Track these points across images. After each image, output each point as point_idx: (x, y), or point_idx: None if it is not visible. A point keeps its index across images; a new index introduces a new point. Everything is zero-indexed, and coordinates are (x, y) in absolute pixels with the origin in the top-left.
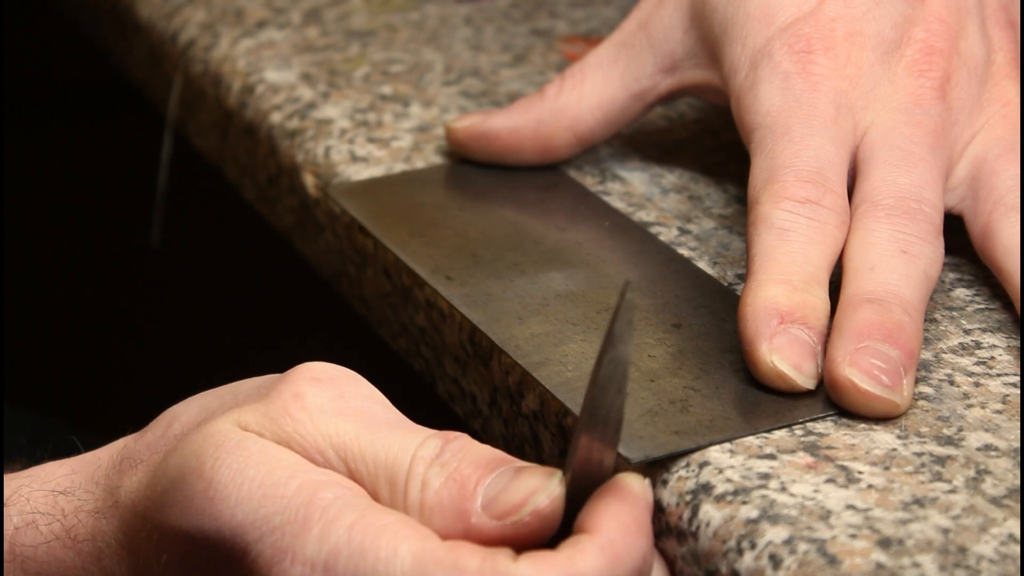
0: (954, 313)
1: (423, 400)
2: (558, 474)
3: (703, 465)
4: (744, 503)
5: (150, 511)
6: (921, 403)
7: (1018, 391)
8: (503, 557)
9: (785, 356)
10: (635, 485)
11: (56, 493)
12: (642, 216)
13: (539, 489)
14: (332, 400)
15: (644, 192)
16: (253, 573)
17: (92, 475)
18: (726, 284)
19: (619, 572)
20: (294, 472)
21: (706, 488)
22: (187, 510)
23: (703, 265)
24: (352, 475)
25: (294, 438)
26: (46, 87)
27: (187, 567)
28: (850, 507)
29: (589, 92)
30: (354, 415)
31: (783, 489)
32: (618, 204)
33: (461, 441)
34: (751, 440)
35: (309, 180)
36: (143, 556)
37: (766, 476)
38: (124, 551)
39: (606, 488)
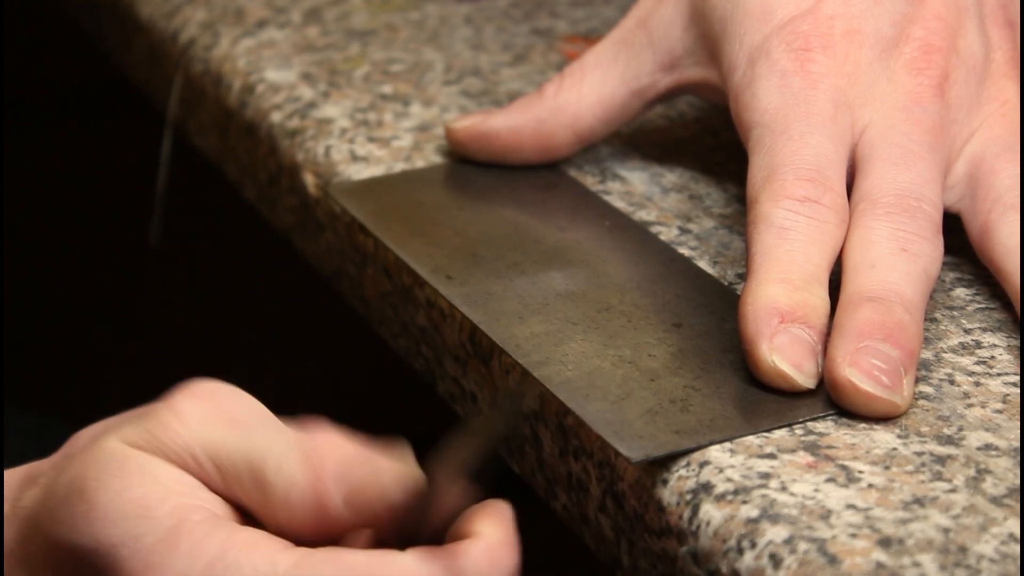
0: (954, 312)
1: (423, 400)
2: (413, 471)
3: (703, 464)
4: (744, 502)
5: (42, 524)
6: (921, 403)
7: (1018, 390)
8: (387, 549)
9: (786, 355)
10: (505, 508)
11: None
12: (642, 215)
13: (393, 485)
14: (207, 411)
15: (644, 191)
16: None
17: (9, 484)
18: (726, 283)
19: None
20: (167, 495)
21: (706, 487)
22: (71, 527)
23: (703, 264)
24: (224, 479)
25: (170, 447)
26: (46, 87)
27: None
28: (850, 506)
29: (588, 90)
30: (226, 423)
31: (783, 488)
32: (618, 203)
33: (323, 435)
34: (751, 439)
35: (309, 180)
36: (35, 565)
37: (766, 475)
38: (18, 562)
39: (484, 505)
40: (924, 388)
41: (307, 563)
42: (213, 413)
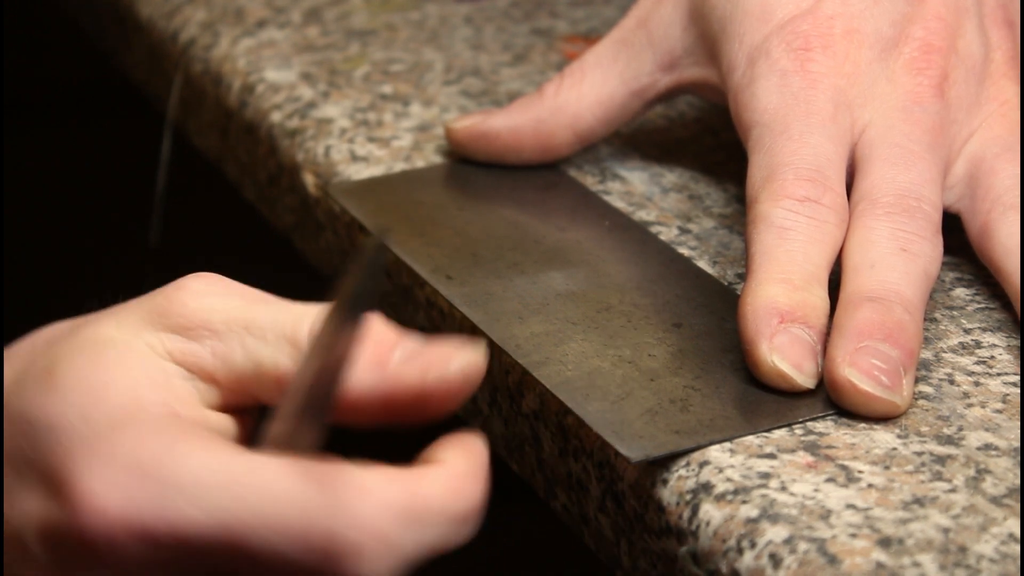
0: (954, 312)
1: None
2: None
3: (703, 464)
4: (744, 502)
5: (7, 402)
6: (921, 402)
7: (1018, 390)
8: (347, 465)
9: (786, 355)
10: (476, 440)
11: None
12: (642, 215)
13: (460, 352)
14: (215, 283)
15: (644, 191)
16: (68, 464)
17: None
18: (726, 283)
19: (459, 507)
20: (132, 385)
21: (706, 487)
22: (30, 400)
23: (703, 264)
24: (241, 347)
25: (175, 320)
26: (46, 87)
27: (19, 454)
28: (850, 506)
29: (588, 90)
30: (239, 293)
31: (783, 488)
32: (618, 203)
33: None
34: (751, 439)
35: (309, 179)
36: None
37: (766, 475)
38: None
39: (455, 435)
40: (924, 388)
41: (264, 468)
42: (220, 285)
